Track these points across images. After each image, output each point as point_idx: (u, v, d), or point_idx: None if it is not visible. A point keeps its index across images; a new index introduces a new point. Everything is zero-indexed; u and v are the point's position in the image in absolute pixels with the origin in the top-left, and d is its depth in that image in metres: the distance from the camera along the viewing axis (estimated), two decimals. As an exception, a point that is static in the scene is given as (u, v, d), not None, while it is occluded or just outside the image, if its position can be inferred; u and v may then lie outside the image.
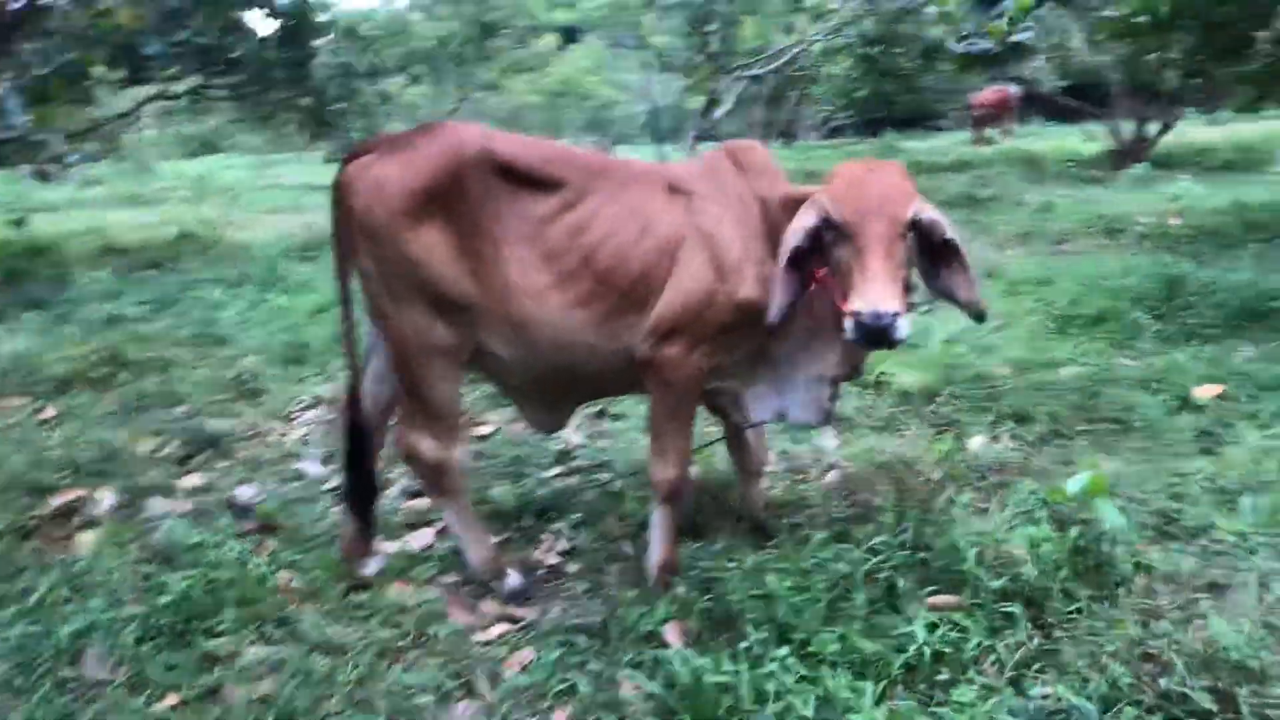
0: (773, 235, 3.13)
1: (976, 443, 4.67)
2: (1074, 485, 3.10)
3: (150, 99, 10.09)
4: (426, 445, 3.37)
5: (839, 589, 3.05)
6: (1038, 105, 26.72)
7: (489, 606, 3.42)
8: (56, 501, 4.13)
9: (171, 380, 5.91)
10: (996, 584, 2.99)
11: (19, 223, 8.16)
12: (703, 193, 3.26)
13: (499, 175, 3.20)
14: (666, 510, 3.38)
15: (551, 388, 3.42)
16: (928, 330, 6.07)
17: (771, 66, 13.59)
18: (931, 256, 3.02)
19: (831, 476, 4.35)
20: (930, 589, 3.05)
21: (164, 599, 3.24)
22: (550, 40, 20.93)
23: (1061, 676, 2.69)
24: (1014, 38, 4.74)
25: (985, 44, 4.80)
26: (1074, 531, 3.13)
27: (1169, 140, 17.41)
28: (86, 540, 3.87)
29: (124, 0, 6.52)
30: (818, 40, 12.84)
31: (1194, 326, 6.21)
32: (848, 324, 2.74)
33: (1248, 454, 4.26)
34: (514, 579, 3.52)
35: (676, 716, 2.67)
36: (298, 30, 9.61)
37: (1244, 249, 8.62)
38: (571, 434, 5.03)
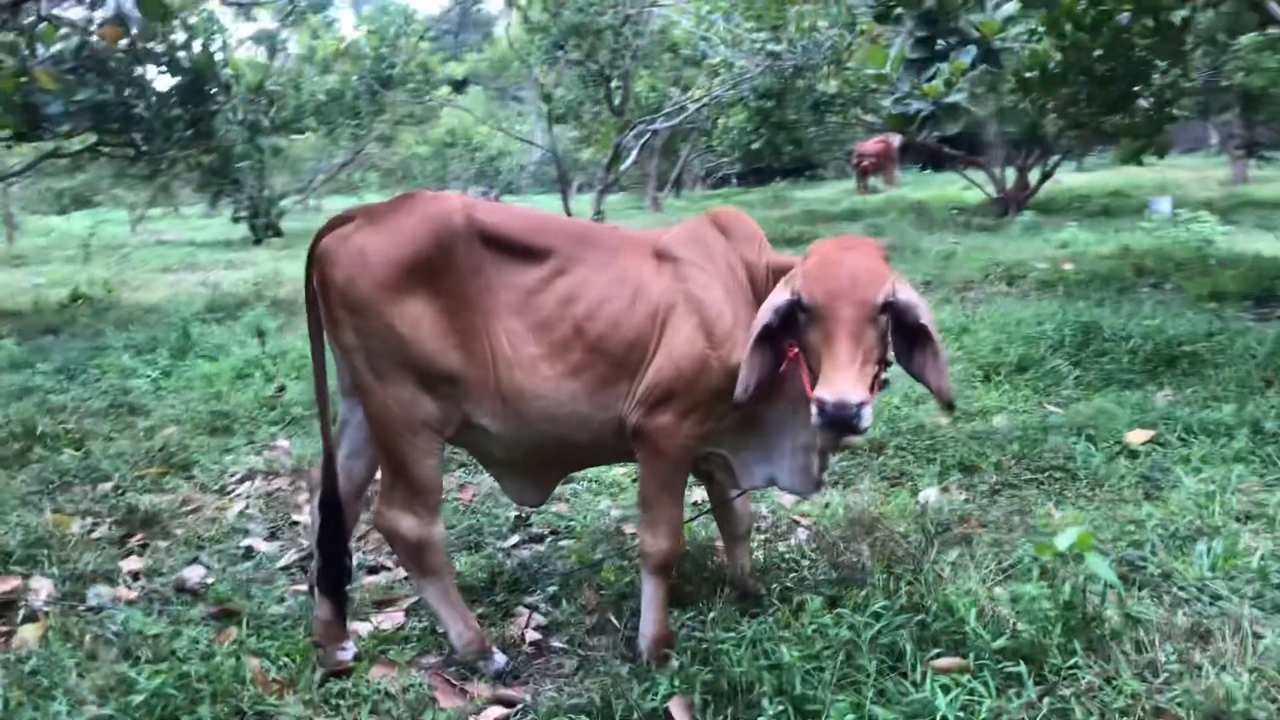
0: (760, 302, 3.13)
1: (929, 494, 4.75)
2: (1063, 541, 3.16)
3: (44, 157, 9.68)
4: (408, 524, 3.26)
5: (843, 656, 3.04)
6: (913, 153, 27.75)
7: (478, 688, 3.30)
8: (-8, 593, 3.87)
9: (91, 454, 5.62)
10: (998, 643, 3.02)
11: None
12: (690, 259, 3.26)
13: (485, 245, 3.15)
14: (658, 582, 3.33)
15: (539, 460, 3.36)
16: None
17: (675, 120, 13.80)
18: (906, 337, 2.98)
19: (801, 534, 4.36)
20: (934, 652, 3.06)
21: (135, 698, 3.04)
22: (443, 92, 20.86)
23: (1077, 736, 2.72)
24: (949, 99, 4.91)
25: (920, 104, 4.94)
26: (1066, 587, 3.19)
27: (1047, 187, 18.22)
28: (30, 634, 3.62)
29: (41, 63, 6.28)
30: (718, 95, 13.09)
31: (1112, 372, 6.47)
32: (813, 409, 2.70)
33: (1189, 498, 4.42)
34: (499, 658, 3.42)
35: None
36: (197, 86, 9.36)
37: (1139, 293, 9.05)
38: (523, 499, 4.94)
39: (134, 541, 4.54)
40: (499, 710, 3.16)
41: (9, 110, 6.87)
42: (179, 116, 8.94)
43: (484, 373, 3.12)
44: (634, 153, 13.20)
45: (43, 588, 4.01)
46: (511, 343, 3.13)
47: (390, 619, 3.78)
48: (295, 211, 23.14)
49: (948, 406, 3.03)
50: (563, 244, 3.22)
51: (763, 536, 4.36)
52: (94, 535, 4.59)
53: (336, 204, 33.74)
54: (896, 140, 23.82)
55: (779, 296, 2.95)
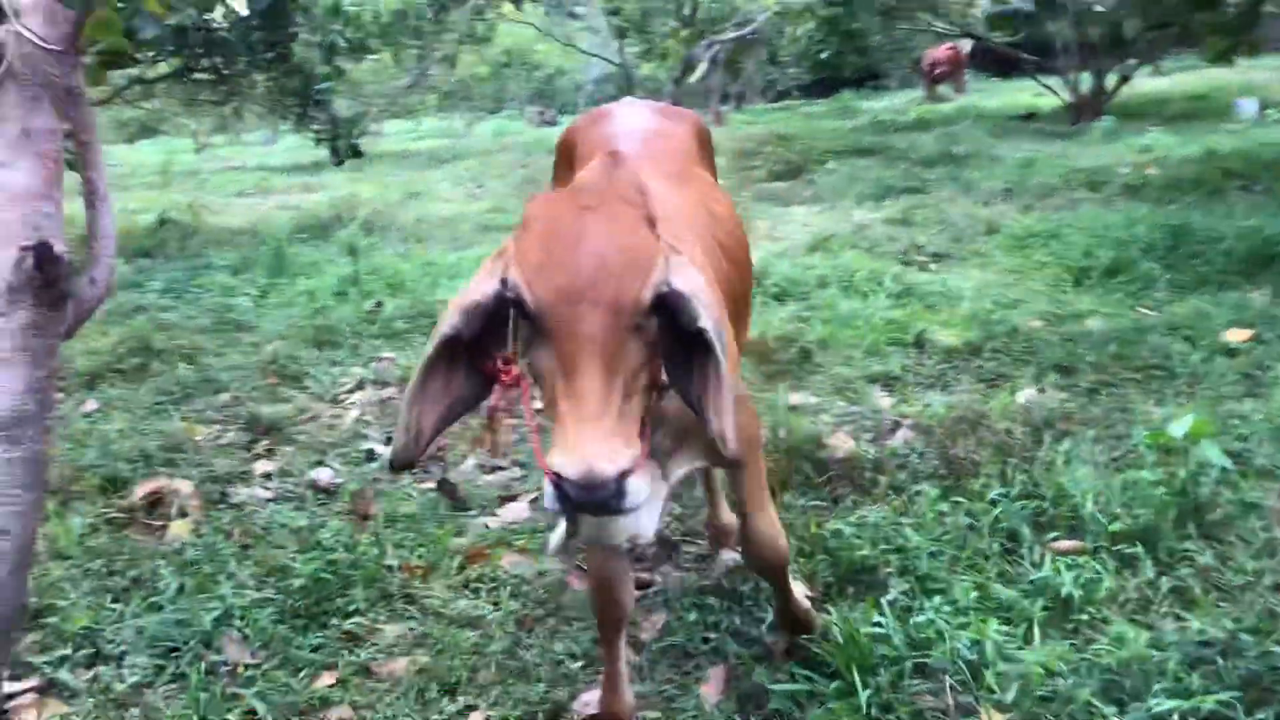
0: None
1: (1026, 395, 4.81)
2: (1178, 428, 3.23)
3: (131, 83, 9.91)
4: None
5: (961, 539, 3.16)
6: (981, 60, 27.05)
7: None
8: (141, 492, 4.11)
9: (204, 368, 5.86)
10: (1114, 527, 3.12)
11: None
12: None
13: None
14: None
15: None
16: (957, 286, 6.23)
17: (746, 29, 13.64)
18: (681, 345, 1.86)
19: (903, 434, 4.46)
20: (1051, 535, 3.17)
21: (293, 582, 3.28)
22: (506, 9, 20.66)
23: (1201, 611, 2.82)
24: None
25: (1021, 2, 4.87)
26: (1182, 473, 3.26)
27: (1123, 92, 17.75)
28: (181, 529, 3.87)
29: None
30: (789, 3, 12.90)
31: (1206, 274, 6.41)
32: (546, 487, 1.71)
33: (1293, 392, 4.44)
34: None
35: (830, 668, 2.76)
36: (278, 8, 9.46)
37: (1228, 196, 8.87)
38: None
39: (260, 447, 4.77)
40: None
41: (116, 34, 7.01)
42: (260, 39, 9.08)
43: None
44: (704, 65, 13.10)
45: (186, 488, 4.25)
46: None
47: (515, 513, 3.96)
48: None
49: (730, 461, 1.97)
50: None
51: (868, 436, 4.46)
52: (222, 441, 4.83)
53: (396, 127, 34.03)
54: (966, 46, 23.21)
55: (481, 287, 1.85)
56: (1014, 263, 7.12)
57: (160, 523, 3.93)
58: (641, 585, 3.35)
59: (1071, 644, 2.74)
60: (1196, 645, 2.64)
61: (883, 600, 2.91)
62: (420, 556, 3.52)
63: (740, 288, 2.76)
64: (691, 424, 2.03)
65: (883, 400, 4.93)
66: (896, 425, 4.61)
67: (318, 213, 11.31)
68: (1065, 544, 3.12)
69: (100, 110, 21.62)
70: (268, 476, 4.44)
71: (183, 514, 3.98)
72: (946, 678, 2.61)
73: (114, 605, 3.28)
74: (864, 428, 4.58)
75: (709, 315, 1.81)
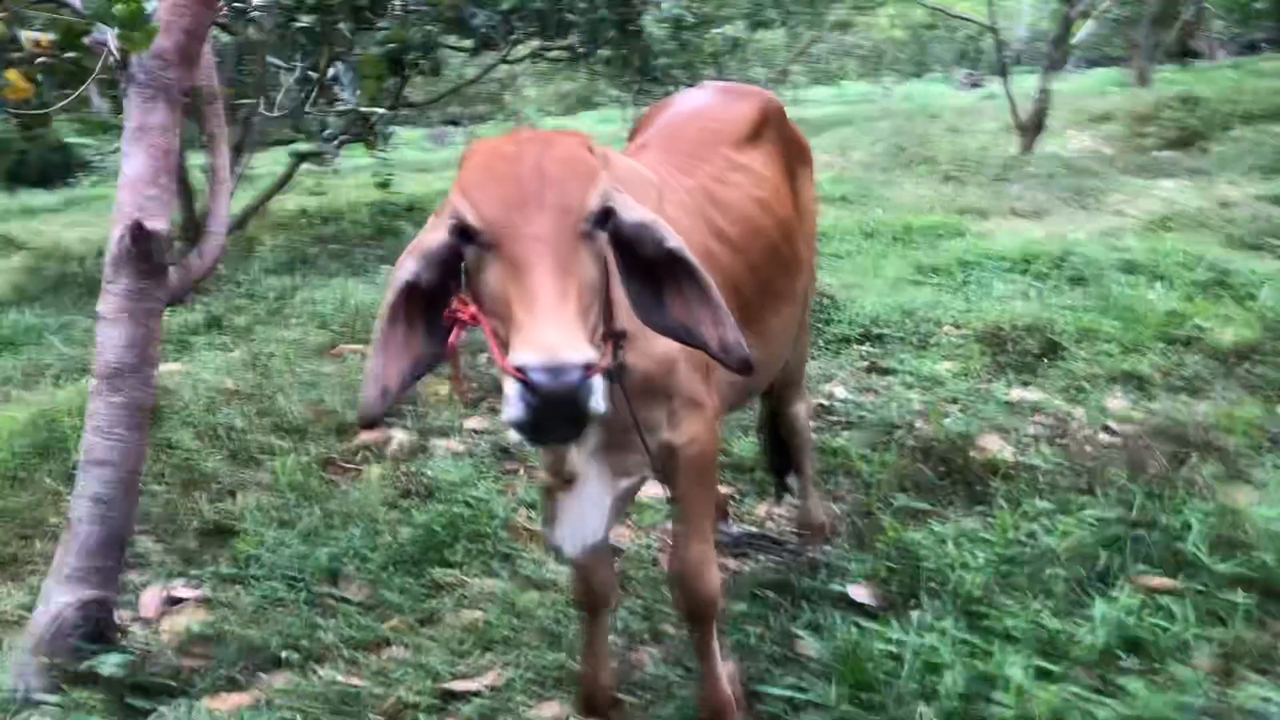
0: None
1: (1289, 409, 4.12)
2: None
3: (493, 65, 10.93)
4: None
5: (1042, 562, 2.85)
6: None
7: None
8: (363, 438, 4.66)
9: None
10: (1222, 567, 2.67)
11: (384, 184, 9.13)
12: None
13: None
14: None
15: None
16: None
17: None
18: (649, 279, 1.93)
19: (1103, 437, 4.00)
20: (1144, 568, 2.77)
21: (408, 530, 3.62)
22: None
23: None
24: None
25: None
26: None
27: None
28: (373, 474, 4.36)
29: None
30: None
31: None
32: (508, 390, 1.61)
33: None
34: (734, 529, 3.58)
35: (836, 679, 2.63)
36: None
37: None
38: (837, 387, 4.97)
39: (485, 405, 5.20)
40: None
41: (445, 24, 7.87)
42: (605, 18, 9.61)
43: None
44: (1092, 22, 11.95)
45: (401, 436, 4.76)
46: None
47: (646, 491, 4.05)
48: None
49: (740, 367, 1.94)
50: None
51: (1058, 438, 4.05)
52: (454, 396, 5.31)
53: (817, 94, 34.35)
54: None
55: (431, 234, 1.89)
56: None
57: (361, 466, 4.45)
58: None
59: (1095, 689, 2.40)
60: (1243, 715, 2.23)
61: (896, 619, 2.72)
62: (531, 519, 3.73)
63: (746, 278, 2.63)
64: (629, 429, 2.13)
65: (1113, 403, 4.44)
66: (1106, 429, 4.15)
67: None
68: (1154, 580, 2.71)
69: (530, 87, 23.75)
70: (475, 432, 4.84)
71: (380, 460, 4.48)
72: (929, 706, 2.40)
73: (279, 533, 3.79)
74: (1064, 429, 4.16)
75: (677, 239, 1.88)
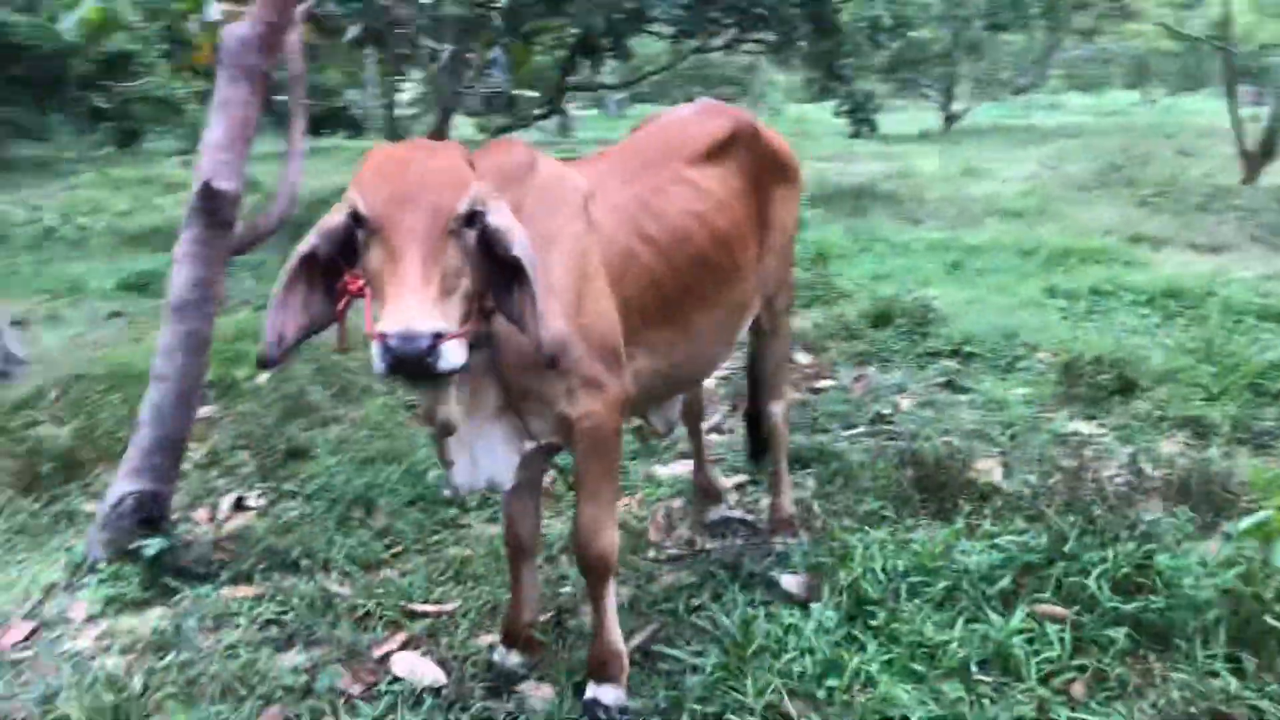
0: None
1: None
2: (1248, 521, 2.68)
3: (691, 52, 11.29)
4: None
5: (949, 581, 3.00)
6: None
7: (683, 532, 3.78)
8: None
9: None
10: (1111, 604, 2.74)
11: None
12: None
13: None
14: None
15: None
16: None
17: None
18: (505, 275, 2.31)
19: (1120, 477, 3.98)
20: (1046, 597, 2.87)
21: (436, 473, 4.07)
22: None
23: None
24: None
25: None
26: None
27: None
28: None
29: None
30: None
31: None
32: (373, 351, 2.03)
33: None
34: (723, 511, 3.84)
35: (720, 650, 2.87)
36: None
37: None
38: (905, 399, 5.07)
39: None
40: (681, 551, 3.65)
41: (626, 15, 8.30)
42: (797, 14, 9.75)
43: None
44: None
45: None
46: None
47: (675, 470, 4.34)
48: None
49: (550, 362, 2.28)
50: None
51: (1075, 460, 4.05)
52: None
53: (1072, 101, 32.91)
54: None
55: (332, 217, 2.31)
56: None
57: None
58: (693, 548, 3.63)
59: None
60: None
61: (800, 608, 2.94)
62: (562, 484, 4.08)
63: (668, 279, 2.84)
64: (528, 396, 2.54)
65: (1169, 447, 4.37)
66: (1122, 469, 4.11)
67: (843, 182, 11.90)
68: (1047, 608, 2.79)
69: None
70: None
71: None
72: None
73: (338, 462, 4.32)
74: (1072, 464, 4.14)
75: (522, 246, 2.26)
